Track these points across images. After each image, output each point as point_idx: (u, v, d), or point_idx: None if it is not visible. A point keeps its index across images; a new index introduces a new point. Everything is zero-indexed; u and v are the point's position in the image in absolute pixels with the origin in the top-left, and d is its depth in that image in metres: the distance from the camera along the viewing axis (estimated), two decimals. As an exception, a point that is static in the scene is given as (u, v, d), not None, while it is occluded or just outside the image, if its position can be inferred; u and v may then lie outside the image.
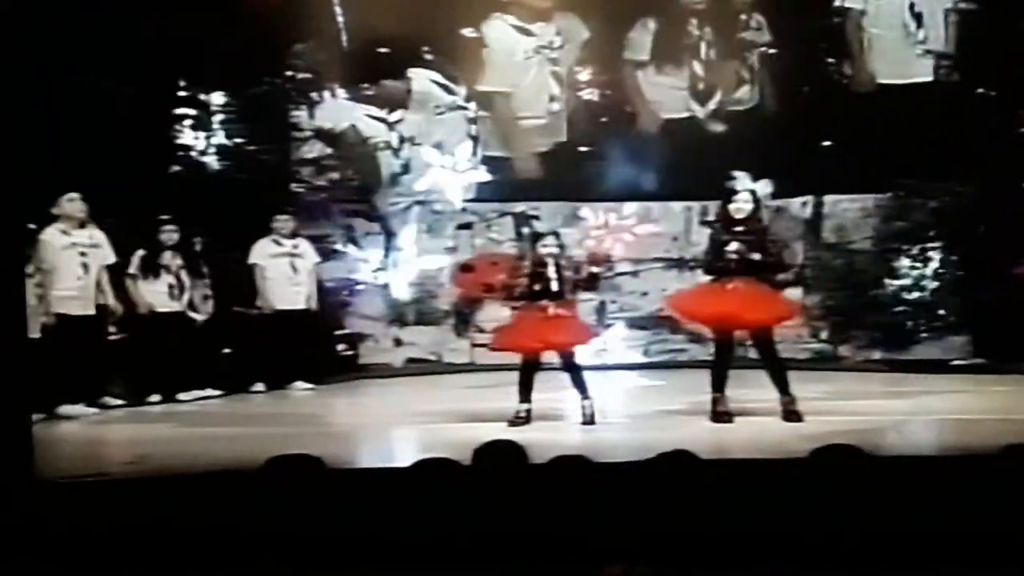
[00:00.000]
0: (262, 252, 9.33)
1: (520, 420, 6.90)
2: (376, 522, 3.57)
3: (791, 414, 6.80)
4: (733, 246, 6.74)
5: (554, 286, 6.89)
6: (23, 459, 4.15)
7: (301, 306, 9.32)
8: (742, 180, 6.88)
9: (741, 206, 6.83)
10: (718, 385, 6.89)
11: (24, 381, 4.27)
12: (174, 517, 3.87)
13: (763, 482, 4.55)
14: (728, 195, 6.87)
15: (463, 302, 10.58)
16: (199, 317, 8.88)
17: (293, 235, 9.46)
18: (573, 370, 6.97)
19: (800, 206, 10.35)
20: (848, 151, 10.06)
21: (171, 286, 8.77)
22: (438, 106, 10.80)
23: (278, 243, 9.37)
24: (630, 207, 10.72)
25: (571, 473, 3.64)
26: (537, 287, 6.92)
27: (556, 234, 7.18)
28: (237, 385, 8.93)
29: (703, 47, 10.67)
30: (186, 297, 8.83)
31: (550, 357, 7.06)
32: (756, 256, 6.73)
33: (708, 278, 7.04)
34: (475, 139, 10.81)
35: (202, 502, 4.14)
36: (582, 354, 7.20)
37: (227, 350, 9.05)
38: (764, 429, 6.65)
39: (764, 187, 7.00)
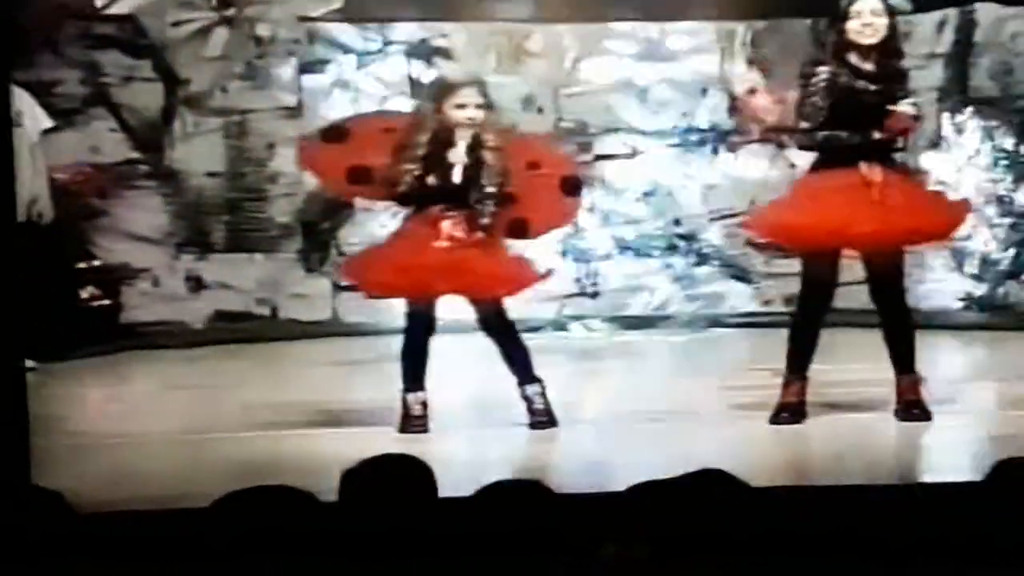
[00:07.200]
0: None
1: (417, 422, 7.07)
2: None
3: (913, 407, 6.97)
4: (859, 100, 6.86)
5: (456, 178, 6.99)
6: None
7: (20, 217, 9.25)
8: None
9: (870, 22, 6.95)
10: (799, 359, 7.02)
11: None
12: None
13: (864, 526, 4.61)
14: (843, 8, 6.99)
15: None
16: None
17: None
18: (499, 334, 7.13)
19: (934, 28, 10.45)
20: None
21: None
22: None
23: None
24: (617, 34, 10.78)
25: (516, 512, 3.67)
26: (432, 179, 7.02)
27: (480, 83, 7.29)
28: None
29: None
30: None
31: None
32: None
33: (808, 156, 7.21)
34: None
35: None
36: (515, 305, 7.26)
37: None
38: (863, 433, 6.78)
39: None
